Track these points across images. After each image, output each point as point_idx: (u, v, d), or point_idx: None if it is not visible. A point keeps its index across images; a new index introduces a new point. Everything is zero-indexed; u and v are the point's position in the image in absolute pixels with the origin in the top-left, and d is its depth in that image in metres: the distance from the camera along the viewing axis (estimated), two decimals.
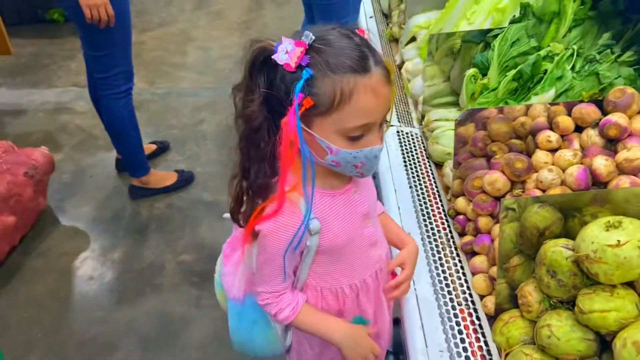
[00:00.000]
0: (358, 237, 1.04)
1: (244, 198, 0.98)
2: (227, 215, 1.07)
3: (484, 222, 1.37)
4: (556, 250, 1.03)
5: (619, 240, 0.91)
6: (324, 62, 0.83)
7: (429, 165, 1.75)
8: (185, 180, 2.75)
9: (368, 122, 0.86)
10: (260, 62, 0.86)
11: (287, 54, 0.83)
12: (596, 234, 0.94)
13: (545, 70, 1.44)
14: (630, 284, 0.96)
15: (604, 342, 0.99)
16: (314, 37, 0.84)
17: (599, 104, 1.31)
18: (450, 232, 1.49)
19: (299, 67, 0.83)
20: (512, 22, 1.65)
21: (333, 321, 1.06)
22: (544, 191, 1.26)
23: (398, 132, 1.89)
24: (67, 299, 2.17)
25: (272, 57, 0.84)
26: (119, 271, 2.29)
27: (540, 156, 1.32)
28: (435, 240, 1.48)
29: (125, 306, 2.12)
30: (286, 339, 1.16)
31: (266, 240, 0.96)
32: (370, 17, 2.71)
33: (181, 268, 2.26)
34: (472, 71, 1.69)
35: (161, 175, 2.73)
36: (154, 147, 2.97)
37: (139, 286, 2.21)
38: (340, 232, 0.99)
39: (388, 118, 0.92)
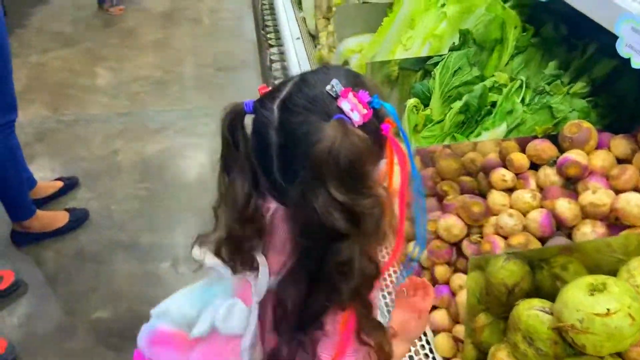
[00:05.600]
0: None
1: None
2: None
3: (441, 271, 1.25)
4: (532, 314, 0.92)
5: (608, 309, 0.81)
6: (363, 86, 0.73)
7: None
8: (78, 220, 2.45)
9: None
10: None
11: (353, 110, 0.70)
12: (580, 300, 0.84)
13: (493, 103, 1.35)
14: (618, 354, 0.86)
15: None
16: (338, 82, 0.71)
17: (553, 139, 1.24)
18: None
19: (368, 104, 0.71)
20: (452, 49, 1.57)
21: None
22: (505, 237, 1.16)
23: None
24: None
25: (355, 124, 0.69)
26: (21, 335, 1.96)
27: (497, 198, 1.22)
28: (383, 288, 1.34)
29: None
30: None
31: None
32: (297, 38, 2.56)
33: (96, 328, 1.98)
34: (412, 101, 1.59)
35: (49, 216, 2.42)
36: (60, 184, 2.64)
37: (46, 352, 1.90)
38: None
39: None
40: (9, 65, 2.11)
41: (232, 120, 0.75)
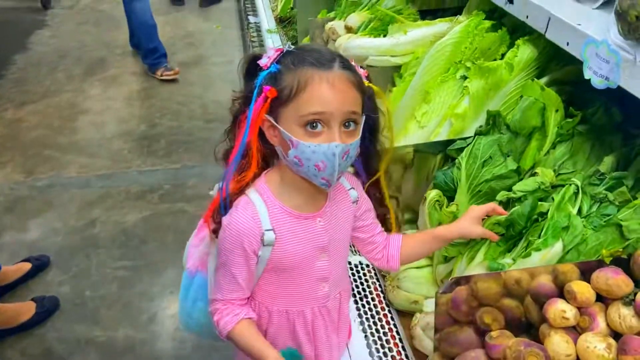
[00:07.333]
0: (308, 267, 1.05)
1: None
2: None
3: None
4: None
5: None
6: (291, 59, 0.94)
7: (391, 317, 1.35)
8: (46, 311, 2.15)
9: (323, 110, 0.90)
10: (252, 69, 0.99)
11: (268, 58, 0.96)
12: None
13: (541, 212, 1.10)
14: None
15: None
16: (292, 45, 0.99)
17: (623, 264, 0.98)
18: None
19: (270, 62, 0.96)
20: (479, 133, 1.32)
21: (267, 347, 1.01)
22: None
23: None
24: None
25: (258, 62, 0.97)
26: None
27: (560, 346, 0.95)
28: None
29: None
30: None
31: (222, 234, 0.99)
32: None
33: None
34: (434, 194, 1.34)
35: (13, 309, 2.10)
36: (27, 266, 2.34)
37: None
38: (292, 254, 1.02)
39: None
40: None
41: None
